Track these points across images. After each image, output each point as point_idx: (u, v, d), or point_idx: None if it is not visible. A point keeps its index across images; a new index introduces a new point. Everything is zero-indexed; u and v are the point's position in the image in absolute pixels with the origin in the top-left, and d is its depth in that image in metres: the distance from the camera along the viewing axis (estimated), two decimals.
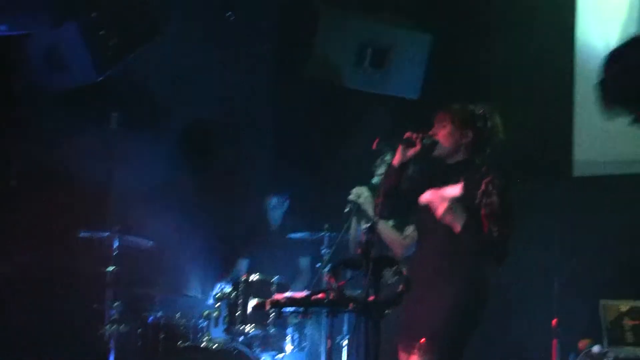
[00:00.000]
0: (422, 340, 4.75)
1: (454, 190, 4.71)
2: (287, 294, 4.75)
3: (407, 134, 4.96)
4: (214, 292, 7.37)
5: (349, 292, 4.39)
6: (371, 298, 4.14)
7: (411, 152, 4.95)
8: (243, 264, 8.03)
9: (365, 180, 6.11)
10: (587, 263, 6.70)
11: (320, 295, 4.36)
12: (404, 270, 4.25)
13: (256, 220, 8.17)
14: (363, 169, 6.30)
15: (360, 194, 5.92)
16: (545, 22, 7.19)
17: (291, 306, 4.54)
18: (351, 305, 4.19)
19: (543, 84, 7.16)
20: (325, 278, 4.28)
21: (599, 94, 3.64)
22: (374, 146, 5.11)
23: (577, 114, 7.04)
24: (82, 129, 7.72)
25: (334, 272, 4.27)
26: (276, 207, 8.00)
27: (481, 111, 4.99)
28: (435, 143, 4.95)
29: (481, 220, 4.75)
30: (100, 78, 7.37)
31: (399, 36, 7.32)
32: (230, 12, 8.01)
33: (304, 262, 7.97)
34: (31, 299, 7.73)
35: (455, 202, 4.70)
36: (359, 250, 4.25)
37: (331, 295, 4.25)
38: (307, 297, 4.48)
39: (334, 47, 7.25)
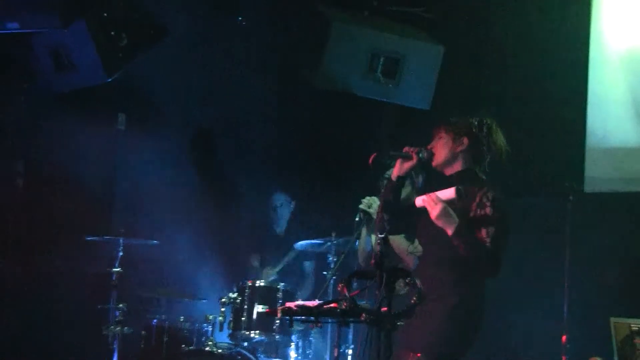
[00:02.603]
0: (418, 354, 4.71)
1: (447, 193, 4.70)
2: (299, 302, 4.67)
3: (405, 149, 4.98)
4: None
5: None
6: (384, 309, 4.11)
7: (407, 165, 4.97)
8: (256, 259, 8.03)
9: (374, 191, 6.05)
10: (598, 280, 6.68)
11: (332, 305, 4.33)
12: (418, 282, 4.20)
13: (261, 224, 8.16)
14: (371, 177, 6.24)
15: (371, 204, 5.86)
16: (559, 36, 7.17)
17: (303, 315, 4.51)
18: (363, 316, 4.14)
19: (556, 100, 7.13)
20: (338, 288, 4.20)
21: None
22: (370, 162, 5.04)
23: (590, 130, 7.01)
24: (88, 129, 7.70)
25: (346, 282, 4.23)
26: (283, 206, 7.99)
27: (477, 120, 4.96)
28: (431, 155, 4.96)
29: (475, 231, 4.72)
30: (110, 79, 7.34)
31: (411, 46, 7.27)
32: (241, 18, 7.99)
33: (309, 266, 7.98)
34: (36, 299, 7.72)
35: (448, 205, 4.68)
36: (372, 261, 4.21)
37: (343, 305, 4.22)
38: (319, 306, 4.45)
39: (346, 55, 7.17)
